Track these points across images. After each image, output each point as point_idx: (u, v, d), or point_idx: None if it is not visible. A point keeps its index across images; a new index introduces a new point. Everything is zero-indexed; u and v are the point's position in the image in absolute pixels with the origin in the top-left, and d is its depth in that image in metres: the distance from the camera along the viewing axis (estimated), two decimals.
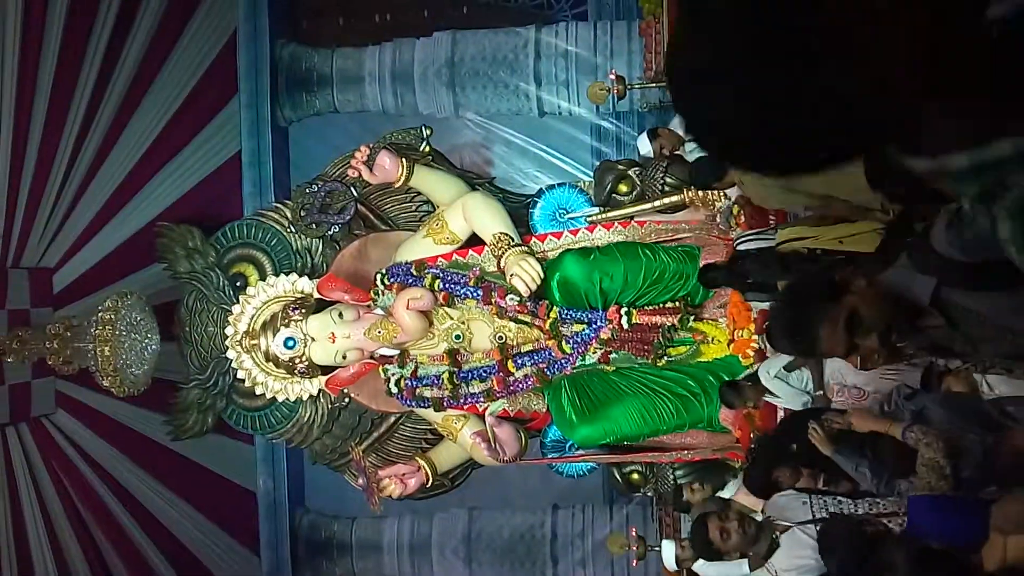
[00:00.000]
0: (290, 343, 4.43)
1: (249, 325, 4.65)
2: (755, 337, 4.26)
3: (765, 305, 3.85)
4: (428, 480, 4.68)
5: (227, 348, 4.72)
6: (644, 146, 4.42)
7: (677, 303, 4.39)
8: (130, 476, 6.03)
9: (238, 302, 4.73)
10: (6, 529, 5.57)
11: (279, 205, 4.99)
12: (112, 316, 4.82)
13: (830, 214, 3.31)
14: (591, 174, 5.01)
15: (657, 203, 4.48)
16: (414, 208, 4.85)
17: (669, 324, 4.30)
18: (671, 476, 4.63)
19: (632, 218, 4.57)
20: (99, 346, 4.81)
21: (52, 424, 5.93)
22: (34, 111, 5.44)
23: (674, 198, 4.44)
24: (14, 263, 5.63)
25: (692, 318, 4.33)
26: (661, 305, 4.40)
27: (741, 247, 3.86)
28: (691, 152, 4.36)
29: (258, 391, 4.75)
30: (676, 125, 4.35)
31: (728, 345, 4.37)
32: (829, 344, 2.16)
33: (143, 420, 5.76)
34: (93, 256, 5.92)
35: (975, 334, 2.10)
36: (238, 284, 4.86)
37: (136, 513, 6.05)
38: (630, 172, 4.59)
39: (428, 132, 4.71)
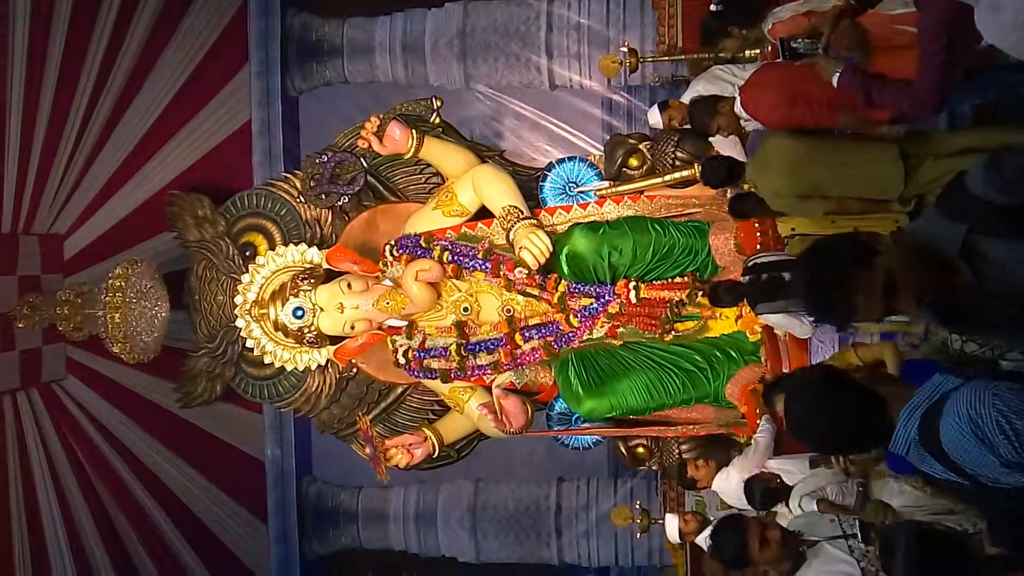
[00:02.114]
0: (299, 313, 4.46)
1: (258, 294, 4.67)
2: None
3: (777, 319, 3.84)
4: (434, 451, 4.72)
5: (236, 317, 4.76)
6: (654, 118, 4.40)
7: (686, 278, 4.40)
8: (139, 442, 6.08)
9: (247, 271, 4.75)
10: (17, 493, 5.64)
11: (289, 175, 5.01)
12: (122, 283, 4.85)
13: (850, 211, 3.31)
14: (601, 147, 4.99)
15: (667, 177, 4.48)
16: (423, 180, 4.86)
17: (677, 299, 4.31)
18: (676, 450, 4.65)
19: (642, 192, 4.57)
20: (109, 313, 4.85)
21: (62, 389, 5.98)
22: (45, 79, 5.43)
23: (684, 172, 4.44)
24: (25, 229, 5.65)
25: (700, 293, 4.33)
26: (670, 280, 4.41)
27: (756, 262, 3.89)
28: (687, 94, 4.34)
29: (267, 360, 4.78)
30: (688, 97, 4.32)
31: (736, 321, 4.39)
32: (866, 311, 2.06)
33: (152, 387, 5.80)
34: (104, 223, 5.93)
35: (1000, 290, 2.01)
36: (247, 253, 4.88)
37: (145, 479, 6.11)
38: (641, 146, 4.59)
39: (438, 103, 4.70)
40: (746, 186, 3.87)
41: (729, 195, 4.15)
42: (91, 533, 5.90)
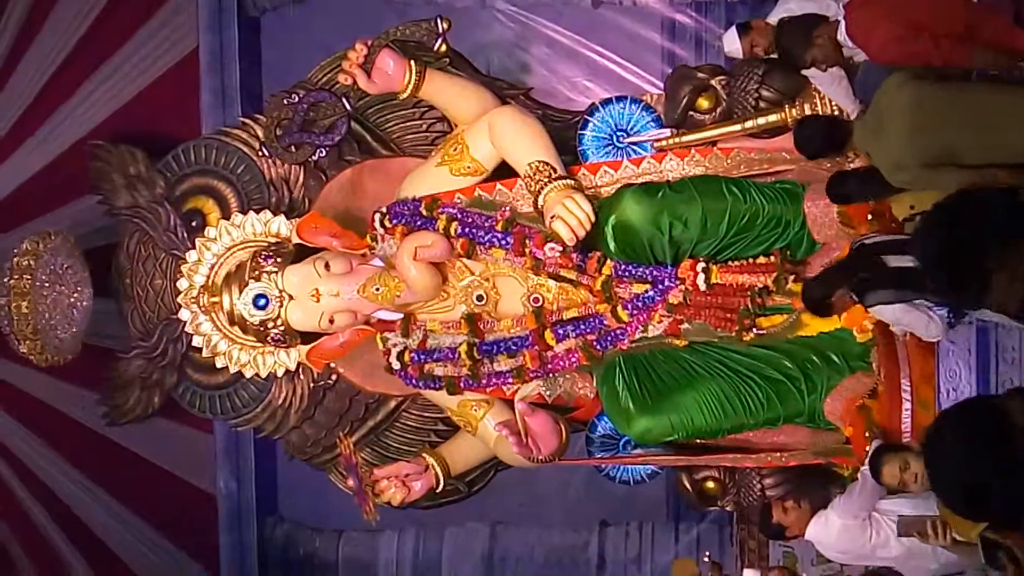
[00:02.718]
0: (261, 302, 4.49)
1: (208, 278, 4.71)
2: None
3: (894, 314, 3.85)
4: (438, 483, 4.74)
5: (179, 307, 4.79)
6: (732, 44, 4.39)
7: (772, 258, 4.38)
8: (52, 470, 6.17)
9: (194, 247, 4.78)
10: None
11: (247, 121, 5.03)
12: (31, 262, 4.91)
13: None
14: (661, 85, 4.98)
15: (749, 124, 4.46)
16: (424, 127, 4.87)
17: (761, 286, 4.30)
18: (758, 486, 4.65)
19: (715, 144, 4.56)
20: (14, 300, 4.90)
21: None
22: None
23: (771, 117, 4.43)
24: None
25: (792, 278, 4.31)
26: (751, 260, 4.39)
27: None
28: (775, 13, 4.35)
29: (219, 364, 4.83)
30: (777, 17, 4.31)
31: (839, 315, 4.34)
32: (1005, 295, 2.08)
33: (70, 398, 5.88)
34: (5, 185, 6.00)
35: None
36: (194, 224, 4.92)
37: (59, 517, 6.20)
38: (713, 82, 4.58)
39: (445, 26, 4.70)
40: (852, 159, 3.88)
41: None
42: None
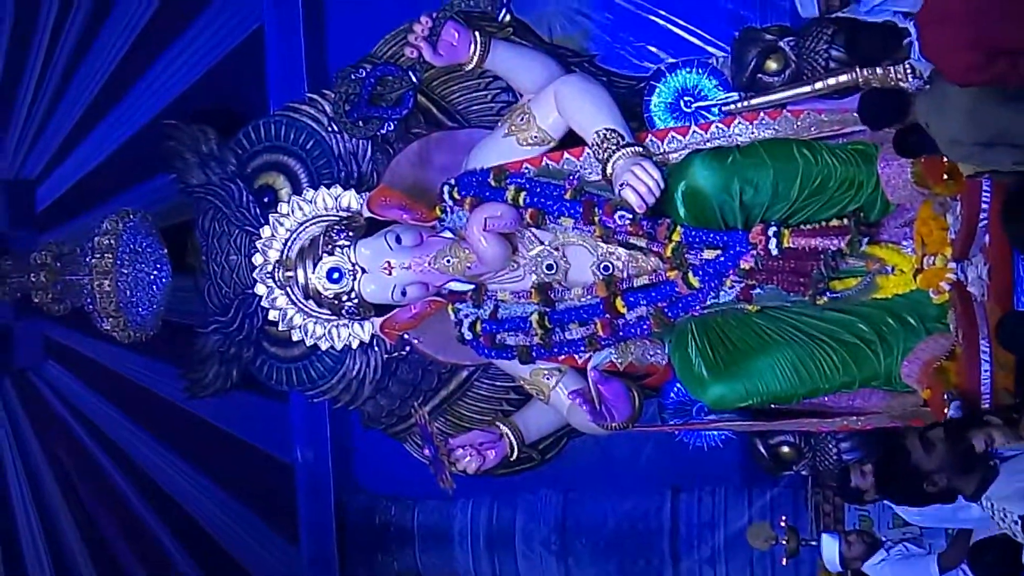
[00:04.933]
0: (335, 276, 4.54)
1: (282, 253, 4.76)
2: (951, 266, 4.20)
3: None
4: (512, 452, 4.77)
5: (255, 282, 4.86)
6: (808, 5, 4.32)
7: (845, 220, 4.33)
8: (136, 442, 6.34)
9: (267, 223, 4.84)
10: None
11: (315, 97, 5.04)
12: (112, 241, 4.98)
13: None
14: (727, 47, 4.91)
15: (819, 85, 4.39)
16: (490, 98, 4.86)
17: (834, 249, 4.25)
18: (834, 450, 4.63)
19: (784, 106, 4.49)
20: (97, 279, 4.98)
21: (40, 378, 6.25)
22: None
23: (842, 78, 4.34)
24: None
25: (866, 240, 4.27)
26: (823, 223, 4.34)
27: None
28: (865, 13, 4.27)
29: (295, 337, 4.89)
30: None
31: (914, 276, 4.31)
32: None
33: (152, 373, 6.01)
34: (83, 165, 6.13)
35: None
36: (266, 200, 4.97)
37: (143, 488, 6.37)
38: (781, 43, 4.50)
39: None
40: (922, 120, 3.81)
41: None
42: (79, 552, 6.19)
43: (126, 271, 5.01)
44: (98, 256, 4.99)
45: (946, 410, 3.99)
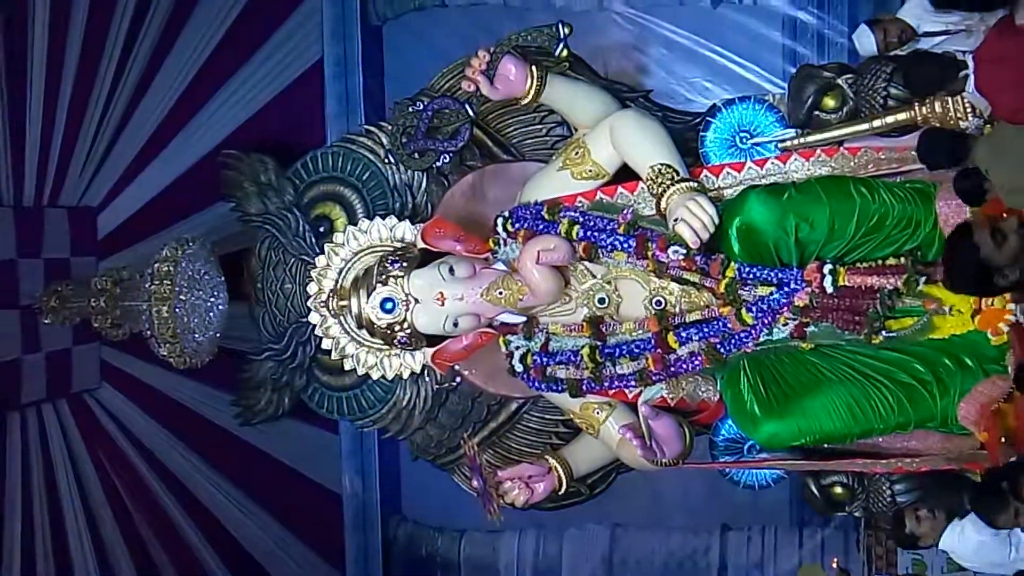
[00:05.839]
0: (388, 306, 4.55)
1: (337, 282, 4.78)
2: (1010, 307, 4.14)
3: None
4: (560, 485, 4.76)
5: (309, 311, 4.89)
6: (866, 43, 4.31)
7: (902, 259, 4.28)
8: (187, 467, 6.39)
9: (322, 252, 4.87)
10: (43, 525, 6.03)
11: (372, 129, 5.10)
12: (171, 268, 5.06)
13: None
14: (784, 84, 4.91)
15: (877, 123, 4.37)
16: (545, 132, 4.90)
17: (890, 288, 4.20)
18: (887, 492, 4.57)
19: (841, 143, 4.48)
20: (155, 305, 5.06)
21: (96, 401, 6.34)
22: (72, 18, 5.74)
23: (900, 116, 4.32)
24: (51, 201, 5.99)
25: (923, 279, 4.21)
26: (880, 262, 4.30)
27: None
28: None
29: (347, 366, 4.90)
30: (908, 10, 4.23)
31: (972, 317, 4.26)
32: None
33: (205, 399, 6.08)
34: (144, 193, 6.24)
35: None
36: (322, 229, 5.04)
37: (193, 511, 6.42)
38: (839, 81, 4.48)
39: (566, 31, 4.69)
40: (982, 165, 3.80)
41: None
42: (128, 571, 6.24)
43: (184, 298, 5.08)
44: (157, 282, 5.08)
45: (1002, 454, 3.92)
